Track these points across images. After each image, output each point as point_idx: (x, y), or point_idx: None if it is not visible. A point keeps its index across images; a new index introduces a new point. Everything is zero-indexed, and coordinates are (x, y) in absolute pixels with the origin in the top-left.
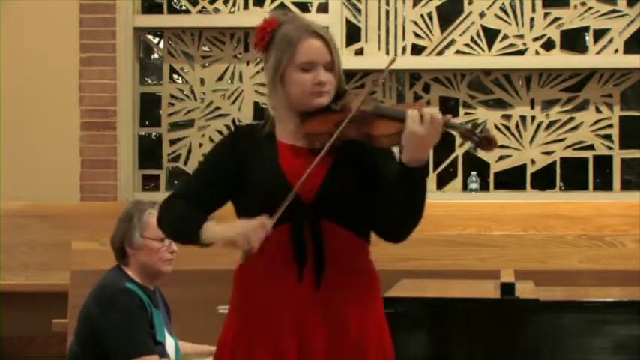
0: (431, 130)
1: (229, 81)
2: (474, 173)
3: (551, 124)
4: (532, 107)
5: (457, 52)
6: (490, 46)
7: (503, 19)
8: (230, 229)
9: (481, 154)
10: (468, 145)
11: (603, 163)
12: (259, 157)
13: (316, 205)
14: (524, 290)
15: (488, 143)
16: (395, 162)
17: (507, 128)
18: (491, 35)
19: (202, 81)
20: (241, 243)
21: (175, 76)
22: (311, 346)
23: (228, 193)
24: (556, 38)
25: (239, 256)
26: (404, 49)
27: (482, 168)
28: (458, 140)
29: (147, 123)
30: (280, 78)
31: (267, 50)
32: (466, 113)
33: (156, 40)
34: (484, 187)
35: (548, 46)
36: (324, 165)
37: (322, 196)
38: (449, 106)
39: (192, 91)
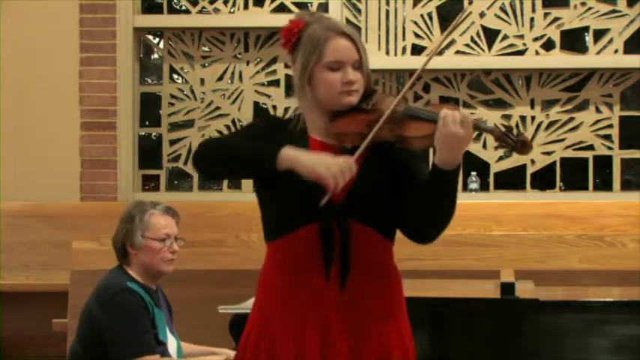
0: (462, 131)
1: (229, 81)
2: (474, 173)
3: (551, 124)
4: (532, 107)
5: (457, 52)
6: (490, 46)
7: (503, 19)
8: (317, 162)
9: (482, 154)
10: (503, 149)
11: (603, 163)
12: (306, 151)
13: (346, 205)
14: (524, 290)
15: (523, 146)
16: (425, 162)
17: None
18: (491, 35)
19: (202, 81)
20: (330, 180)
21: (175, 76)
22: (333, 349)
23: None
24: (556, 38)
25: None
26: (404, 49)
27: (483, 168)
28: (493, 143)
29: (147, 123)
30: (308, 78)
31: (294, 51)
32: None
33: (156, 40)
34: (484, 187)
35: (548, 46)
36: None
37: (352, 196)
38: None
39: (192, 91)
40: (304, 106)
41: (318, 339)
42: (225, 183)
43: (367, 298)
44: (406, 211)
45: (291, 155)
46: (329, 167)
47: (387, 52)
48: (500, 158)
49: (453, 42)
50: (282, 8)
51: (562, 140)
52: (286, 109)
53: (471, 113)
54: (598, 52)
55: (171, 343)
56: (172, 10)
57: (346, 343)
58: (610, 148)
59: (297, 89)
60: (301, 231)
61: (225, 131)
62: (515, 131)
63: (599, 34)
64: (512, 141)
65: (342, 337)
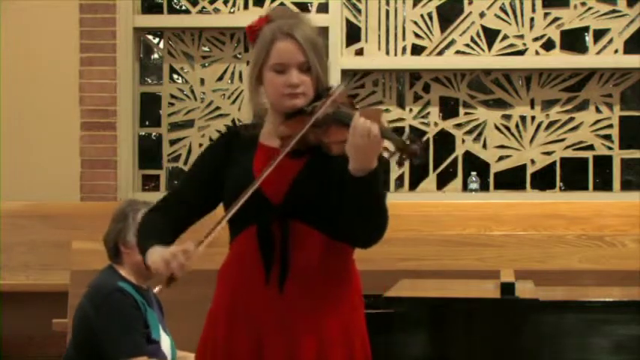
0: (367, 141)
1: (229, 81)
2: (473, 173)
3: (551, 124)
4: (532, 107)
5: (457, 52)
6: (490, 46)
7: (503, 19)
8: (154, 256)
9: (482, 154)
10: (396, 156)
11: (603, 163)
12: (238, 161)
13: (285, 206)
14: (524, 290)
15: (414, 155)
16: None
17: (507, 128)
18: (491, 35)
19: (202, 81)
20: (162, 269)
21: (175, 76)
22: (270, 351)
23: (214, 195)
24: (556, 38)
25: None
26: (404, 49)
27: (483, 168)
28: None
29: (147, 123)
30: (258, 78)
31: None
32: (466, 113)
33: (156, 40)
34: (484, 187)
35: (548, 46)
36: (295, 166)
37: (290, 196)
38: (449, 106)
39: (192, 91)
40: (260, 107)
41: (252, 342)
42: None
43: (308, 299)
44: (339, 217)
45: (146, 257)
46: (162, 258)
47: (387, 52)
48: (500, 158)
49: (453, 42)
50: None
51: (562, 140)
52: None
53: (471, 113)
54: (598, 52)
55: (165, 341)
56: (172, 10)
57: (283, 346)
58: (610, 148)
59: (249, 87)
60: (243, 234)
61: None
62: (410, 140)
63: (599, 34)
64: (407, 149)
65: (279, 339)
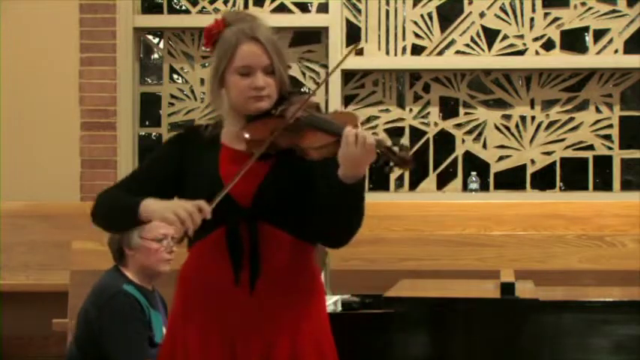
0: (364, 151)
1: None
2: (474, 173)
3: (551, 124)
4: (532, 107)
5: (457, 52)
6: (490, 46)
7: (503, 19)
8: (167, 207)
9: (482, 154)
10: (383, 162)
11: (603, 163)
12: (200, 161)
13: (253, 209)
14: (524, 290)
15: (404, 163)
16: (334, 166)
17: (507, 128)
18: (491, 35)
19: (202, 81)
20: (177, 224)
21: (175, 76)
22: (243, 353)
23: (165, 194)
24: (556, 38)
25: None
26: (404, 49)
27: (483, 168)
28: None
29: (147, 123)
30: (221, 82)
31: (213, 52)
32: (466, 113)
33: (156, 40)
34: (484, 187)
35: (548, 46)
36: (262, 169)
37: (258, 198)
38: (449, 106)
39: (192, 91)
40: (220, 110)
41: (225, 343)
42: None
43: (278, 300)
44: (312, 216)
45: (146, 208)
46: (175, 212)
47: (387, 52)
48: (500, 158)
49: (453, 42)
50: (282, 8)
51: (562, 140)
52: None
53: (471, 113)
54: (598, 52)
55: None
56: (172, 10)
57: (257, 347)
58: (610, 148)
59: (209, 91)
60: (210, 236)
61: None
62: (399, 148)
63: (599, 34)
64: (396, 157)
65: (253, 341)
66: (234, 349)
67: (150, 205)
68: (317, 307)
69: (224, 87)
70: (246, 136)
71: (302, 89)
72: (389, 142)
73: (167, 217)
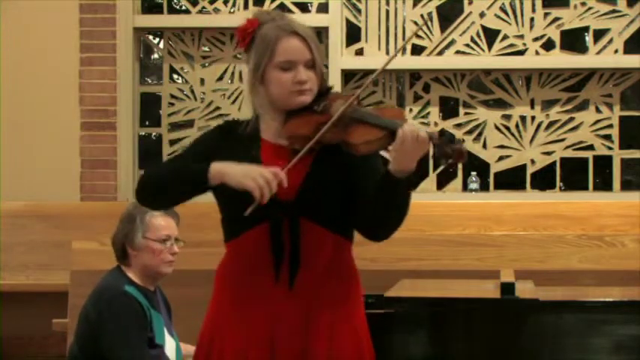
0: (417, 146)
1: (229, 81)
2: (474, 173)
3: (551, 124)
4: (532, 107)
5: (457, 52)
6: (490, 46)
7: (503, 19)
8: (243, 174)
9: (482, 154)
10: (439, 156)
11: (603, 163)
12: (240, 156)
13: (295, 204)
14: (524, 290)
15: (460, 156)
16: (378, 161)
17: (507, 128)
18: (491, 35)
19: (202, 81)
20: (256, 192)
21: (175, 76)
22: (283, 349)
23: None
24: (556, 38)
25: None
26: (404, 49)
27: (483, 168)
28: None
29: (147, 123)
30: (261, 78)
31: (249, 51)
32: (466, 113)
33: (156, 40)
34: (484, 187)
35: (548, 46)
36: (305, 164)
37: (301, 194)
38: (449, 106)
39: (192, 91)
40: (259, 107)
41: (265, 338)
42: None
43: (318, 296)
44: (357, 211)
45: (219, 170)
46: (254, 178)
47: (387, 52)
48: (500, 158)
49: (453, 42)
50: (282, 8)
51: (562, 140)
52: None
53: (471, 113)
54: (598, 52)
55: (170, 345)
56: (172, 10)
57: (296, 343)
58: (610, 148)
59: (250, 89)
60: (251, 231)
61: None
62: (453, 140)
63: (599, 34)
64: (452, 150)
65: (293, 337)
66: (273, 345)
67: (223, 168)
68: (355, 305)
69: (264, 83)
70: (289, 131)
71: None
72: (442, 136)
73: (244, 183)
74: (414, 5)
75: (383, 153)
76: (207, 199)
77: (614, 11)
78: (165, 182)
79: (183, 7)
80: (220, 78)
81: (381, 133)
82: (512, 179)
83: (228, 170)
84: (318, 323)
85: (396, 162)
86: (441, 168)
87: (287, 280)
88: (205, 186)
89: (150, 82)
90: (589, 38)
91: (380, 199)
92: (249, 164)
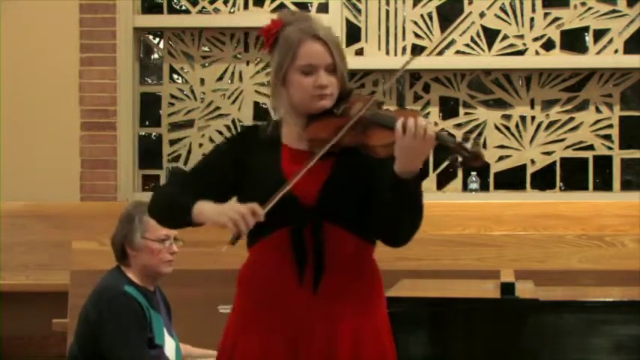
0: (422, 143)
1: (229, 81)
2: (474, 173)
3: (551, 124)
4: (532, 107)
5: (457, 52)
6: (490, 46)
7: (503, 19)
8: (220, 211)
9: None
10: (453, 160)
11: (603, 163)
12: (261, 161)
13: (318, 208)
14: (524, 290)
15: (476, 159)
16: (391, 163)
17: (507, 128)
18: (491, 35)
19: (202, 81)
20: (230, 226)
21: (175, 76)
22: (307, 350)
23: (224, 195)
24: (556, 38)
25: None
26: (404, 49)
27: (483, 168)
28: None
29: (147, 123)
30: (283, 81)
31: (272, 52)
32: (466, 113)
33: (156, 40)
34: (484, 187)
35: (548, 46)
36: (325, 167)
37: (323, 198)
38: (449, 106)
39: (192, 91)
40: (281, 110)
41: (288, 342)
42: None
43: (341, 299)
44: (373, 214)
45: (198, 211)
46: (228, 215)
47: (387, 52)
48: (500, 158)
49: (453, 42)
50: (282, 8)
51: (562, 140)
52: None
53: (471, 113)
54: (598, 52)
55: (170, 345)
56: (172, 10)
57: (321, 347)
58: (610, 148)
59: (272, 91)
60: (273, 235)
61: (225, 131)
62: (469, 143)
63: (599, 34)
64: (467, 152)
65: (317, 340)
66: (297, 349)
67: (203, 209)
68: (379, 307)
69: (285, 85)
70: (310, 135)
71: None
72: (455, 137)
73: (219, 221)
74: (414, 5)
75: None
76: None
77: (614, 11)
78: (163, 211)
79: (183, 7)
80: (220, 78)
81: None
82: (512, 179)
83: (205, 211)
84: (342, 326)
85: (398, 160)
86: (443, 166)
87: (310, 284)
88: (192, 224)
89: (150, 82)
90: (589, 38)
91: (390, 201)
92: (270, 169)
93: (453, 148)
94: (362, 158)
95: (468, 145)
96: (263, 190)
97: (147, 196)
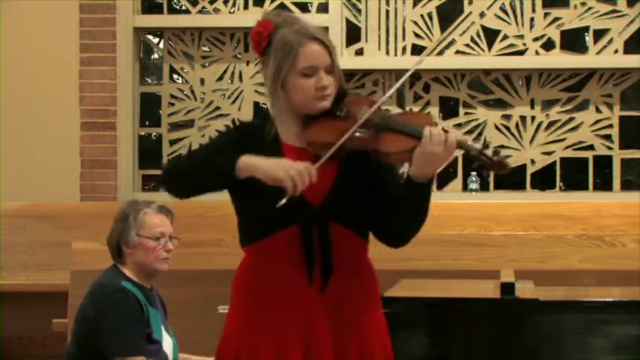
0: (446, 151)
1: (229, 81)
2: (474, 173)
3: (551, 124)
4: (532, 107)
5: (457, 52)
6: (490, 46)
7: (503, 19)
8: (275, 166)
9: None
10: (478, 166)
11: (603, 163)
12: (263, 156)
13: (325, 208)
14: (524, 290)
15: (500, 167)
16: (399, 167)
17: (507, 128)
18: (491, 35)
19: (202, 81)
20: (287, 182)
21: (175, 76)
22: (318, 350)
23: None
24: (556, 38)
25: (283, 197)
26: (404, 49)
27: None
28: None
29: (147, 123)
30: (282, 84)
31: (265, 54)
32: (466, 113)
33: (156, 40)
34: (484, 187)
35: (548, 46)
36: (332, 168)
37: (331, 199)
38: (449, 106)
39: (192, 91)
40: (277, 111)
41: (300, 342)
42: None
43: (348, 298)
44: (379, 216)
45: (248, 162)
46: (286, 170)
47: (387, 52)
48: None
49: (453, 42)
50: (282, 8)
51: (562, 140)
52: None
53: (471, 113)
54: (598, 52)
55: (167, 342)
56: (172, 10)
57: (331, 344)
58: (610, 148)
59: (270, 95)
60: (280, 234)
61: None
62: (491, 151)
63: (599, 34)
64: (490, 160)
65: (327, 338)
66: (308, 347)
67: (252, 160)
68: (378, 304)
69: (284, 89)
70: (311, 136)
71: None
72: (478, 145)
73: (276, 175)
74: (414, 5)
75: None
76: (201, 200)
77: (614, 11)
78: (191, 170)
79: (183, 7)
80: (220, 78)
81: (413, 142)
82: (512, 179)
83: (257, 162)
84: (349, 324)
85: (416, 165)
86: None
87: (319, 283)
88: (231, 178)
89: (150, 82)
90: (589, 38)
91: (402, 203)
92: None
93: (474, 156)
94: (368, 161)
95: (489, 152)
96: (267, 185)
97: (147, 196)
